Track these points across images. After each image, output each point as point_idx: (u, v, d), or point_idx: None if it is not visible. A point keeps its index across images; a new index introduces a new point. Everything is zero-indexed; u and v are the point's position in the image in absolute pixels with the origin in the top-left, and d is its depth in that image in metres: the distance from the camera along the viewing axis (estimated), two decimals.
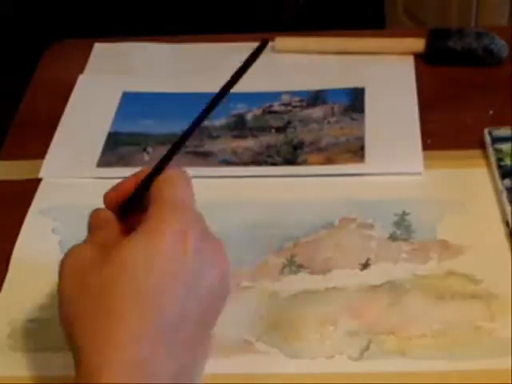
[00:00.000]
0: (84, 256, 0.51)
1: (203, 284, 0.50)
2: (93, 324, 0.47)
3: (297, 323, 0.60)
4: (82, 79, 0.84)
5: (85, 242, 0.53)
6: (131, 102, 0.81)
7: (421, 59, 0.83)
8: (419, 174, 0.70)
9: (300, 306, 0.61)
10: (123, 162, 0.74)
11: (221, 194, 0.70)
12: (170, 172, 0.53)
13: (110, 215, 0.54)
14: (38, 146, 0.76)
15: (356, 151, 0.73)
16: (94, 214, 0.54)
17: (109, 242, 0.51)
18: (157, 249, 0.49)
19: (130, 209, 0.54)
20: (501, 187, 0.67)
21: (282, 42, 0.86)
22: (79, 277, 0.50)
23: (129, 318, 0.47)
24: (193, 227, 0.50)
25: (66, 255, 0.51)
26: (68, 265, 0.51)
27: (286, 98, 0.80)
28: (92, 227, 0.54)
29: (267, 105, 0.79)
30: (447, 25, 1.64)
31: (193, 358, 0.50)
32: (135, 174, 0.55)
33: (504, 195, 0.66)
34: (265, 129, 0.77)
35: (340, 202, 0.68)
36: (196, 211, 0.52)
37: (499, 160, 0.69)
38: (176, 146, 0.54)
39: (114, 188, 0.55)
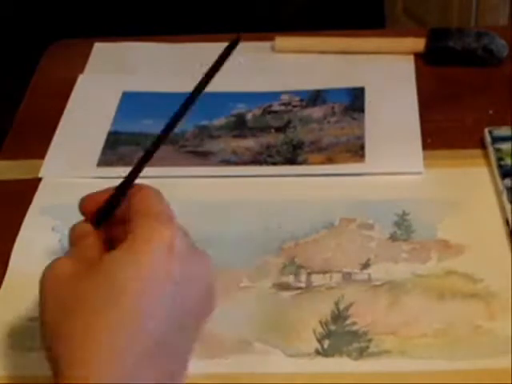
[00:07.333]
0: (64, 270, 0.50)
1: (189, 297, 0.50)
2: (70, 338, 0.47)
3: (297, 323, 0.60)
4: (81, 79, 0.84)
5: (66, 256, 0.52)
6: (131, 102, 0.81)
7: (421, 59, 0.83)
8: (419, 173, 0.70)
9: (300, 305, 0.61)
10: (123, 161, 0.74)
11: (221, 194, 0.70)
12: (144, 186, 0.52)
13: (89, 228, 0.53)
14: (38, 145, 0.76)
15: (356, 151, 0.73)
16: (74, 228, 0.53)
17: (91, 254, 0.51)
18: (143, 262, 0.48)
19: (103, 219, 0.53)
20: (501, 187, 0.67)
21: (282, 41, 0.86)
22: (60, 291, 0.49)
23: (111, 335, 0.46)
24: (179, 239, 0.49)
25: (47, 269, 0.50)
26: (49, 279, 0.50)
27: (285, 98, 0.80)
28: (73, 241, 0.53)
29: (267, 104, 0.79)
30: (447, 25, 1.64)
31: (182, 366, 0.50)
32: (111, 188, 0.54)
33: (504, 195, 0.66)
34: (265, 129, 0.77)
35: (340, 201, 0.68)
36: (179, 224, 0.51)
37: (499, 159, 0.69)
38: (148, 153, 0.53)
39: (92, 197, 0.54)
